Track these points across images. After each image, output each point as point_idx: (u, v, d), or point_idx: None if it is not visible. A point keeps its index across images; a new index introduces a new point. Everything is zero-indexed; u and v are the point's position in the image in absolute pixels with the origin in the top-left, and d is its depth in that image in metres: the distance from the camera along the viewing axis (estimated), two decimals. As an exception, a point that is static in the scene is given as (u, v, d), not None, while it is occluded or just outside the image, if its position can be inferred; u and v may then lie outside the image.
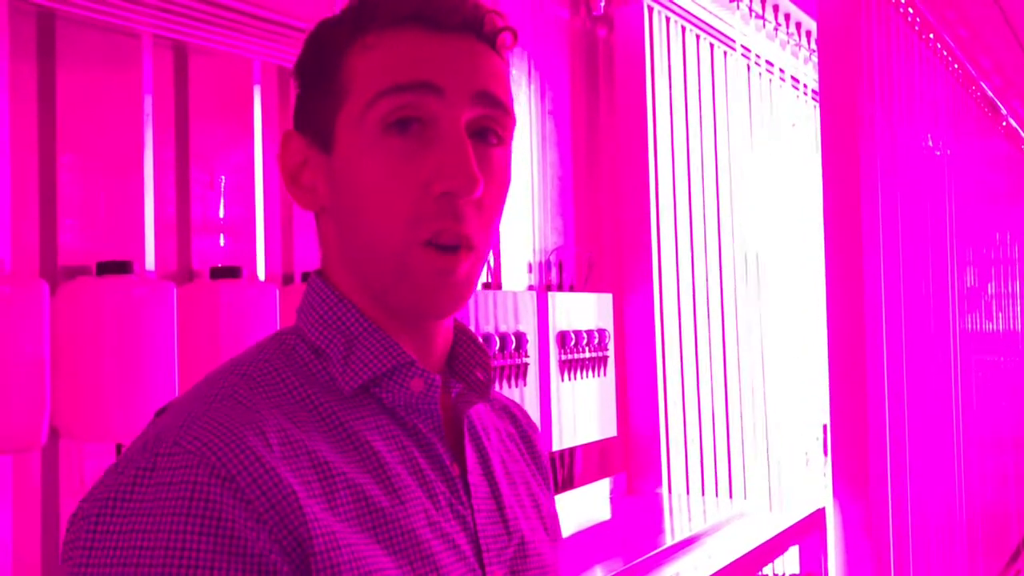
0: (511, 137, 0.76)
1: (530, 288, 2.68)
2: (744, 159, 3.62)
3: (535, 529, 0.82)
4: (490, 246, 0.77)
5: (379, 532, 0.67)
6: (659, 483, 2.98)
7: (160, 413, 0.72)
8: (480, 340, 0.82)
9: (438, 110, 0.71)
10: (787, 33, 3.86)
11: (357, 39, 0.73)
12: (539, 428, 0.96)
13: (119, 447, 1.60)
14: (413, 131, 0.71)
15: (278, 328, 1.73)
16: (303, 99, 0.77)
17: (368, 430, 0.72)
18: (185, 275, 1.82)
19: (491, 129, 0.74)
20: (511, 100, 0.76)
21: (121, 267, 1.59)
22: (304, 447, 0.67)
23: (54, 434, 1.55)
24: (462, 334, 0.82)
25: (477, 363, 0.81)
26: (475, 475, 0.77)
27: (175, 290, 1.65)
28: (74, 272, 1.63)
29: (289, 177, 0.77)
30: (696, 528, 2.55)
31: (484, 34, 0.75)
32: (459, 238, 0.71)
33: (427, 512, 0.71)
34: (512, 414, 0.92)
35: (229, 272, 1.76)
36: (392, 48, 0.72)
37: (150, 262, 1.75)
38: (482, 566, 0.74)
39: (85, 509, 0.63)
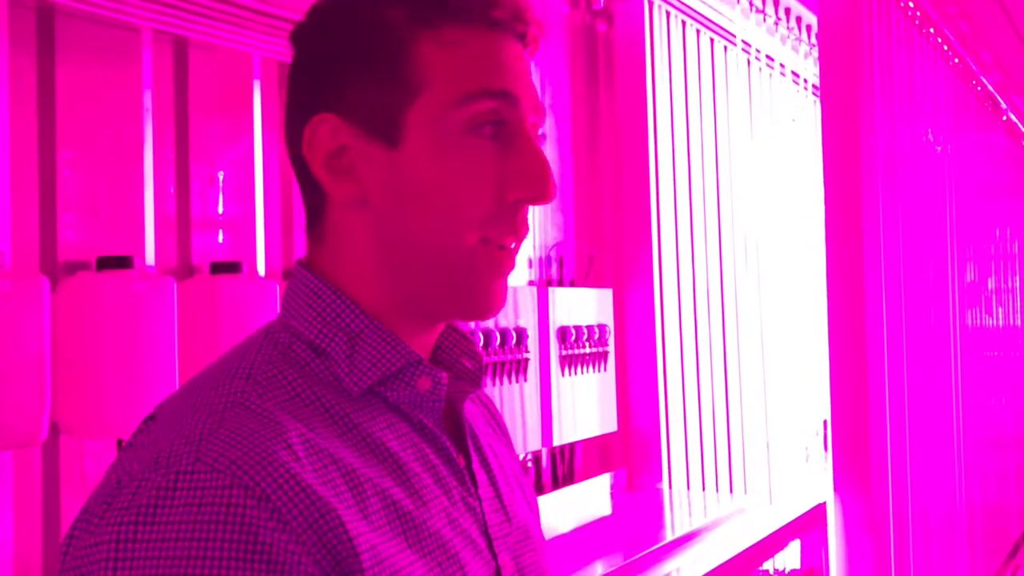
0: None
1: (530, 283, 2.68)
2: (744, 154, 3.61)
3: (524, 512, 0.82)
4: None
5: (409, 536, 0.66)
6: (659, 478, 2.98)
7: (149, 419, 0.68)
8: (459, 327, 0.82)
9: (513, 116, 0.72)
10: (787, 28, 3.86)
11: (427, 30, 0.70)
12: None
13: (119, 443, 1.60)
14: (495, 134, 0.72)
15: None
16: (345, 81, 0.71)
17: (380, 430, 0.70)
18: (185, 270, 1.81)
19: (540, 134, 0.77)
20: None
21: (121, 262, 1.58)
22: (330, 456, 0.64)
23: (54, 430, 1.55)
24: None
25: (463, 351, 0.80)
26: (476, 464, 0.77)
27: (175, 285, 1.65)
28: (74, 267, 1.62)
29: (321, 161, 0.71)
30: (697, 523, 2.55)
31: (524, 36, 0.75)
32: (518, 240, 0.74)
33: (446, 509, 0.71)
34: (481, 399, 0.91)
35: (229, 267, 1.76)
36: (478, 49, 0.71)
37: (150, 257, 1.74)
38: (494, 555, 0.74)
39: (94, 532, 0.58)
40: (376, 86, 0.70)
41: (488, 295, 0.73)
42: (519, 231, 0.73)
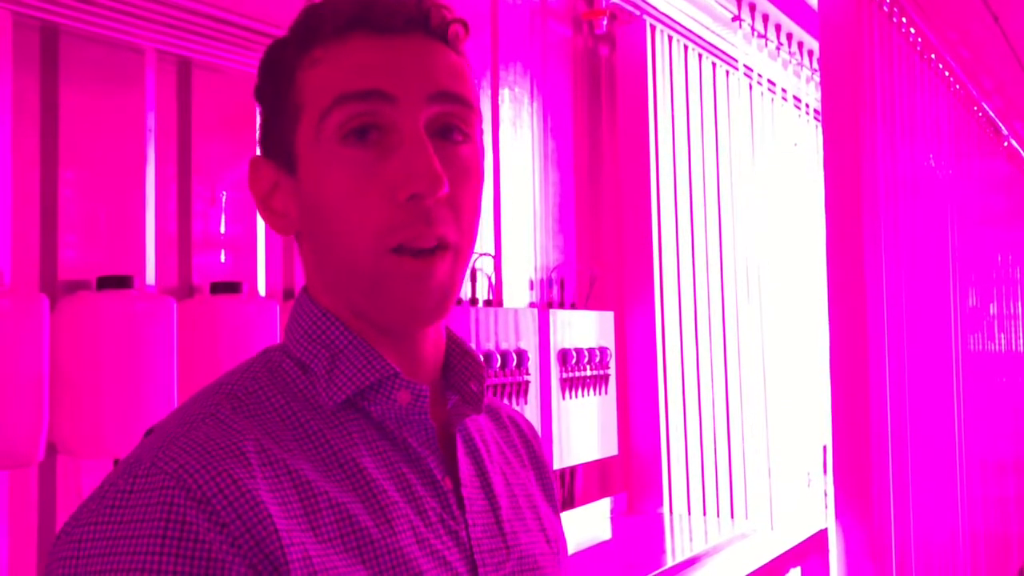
0: (478, 133, 0.75)
1: (531, 305, 2.67)
2: (746, 178, 3.62)
3: (536, 542, 0.81)
4: (472, 246, 0.75)
5: (364, 552, 0.66)
6: (660, 503, 2.96)
7: (149, 433, 0.71)
8: (472, 350, 0.81)
9: (394, 116, 0.69)
10: (789, 52, 3.87)
11: (305, 55, 0.72)
12: (541, 438, 0.95)
13: (116, 463, 1.59)
14: (372, 139, 0.70)
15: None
16: (265, 123, 0.76)
17: (354, 447, 0.71)
18: (185, 290, 1.81)
19: (454, 126, 0.72)
20: (472, 94, 0.74)
21: (121, 282, 1.58)
22: (285, 467, 0.66)
23: (51, 450, 1.54)
24: (455, 344, 0.81)
25: (472, 374, 0.80)
26: (470, 488, 0.76)
27: (175, 305, 1.65)
28: (74, 287, 1.62)
29: (261, 204, 0.76)
30: (697, 549, 2.54)
31: (433, 30, 0.73)
32: (435, 239, 0.70)
33: (415, 529, 0.70)
34: (516, 424, 0.91)
35: (229, 287, 1.75)
36: (338, 58, 0.70)
37: (150, 277, 1.74)
38: None
39: (69, 532, 0.63)
40: (278, 121, 0.74)
41: (406, 303, 0.71)
42: (430, 227, 0.69)
